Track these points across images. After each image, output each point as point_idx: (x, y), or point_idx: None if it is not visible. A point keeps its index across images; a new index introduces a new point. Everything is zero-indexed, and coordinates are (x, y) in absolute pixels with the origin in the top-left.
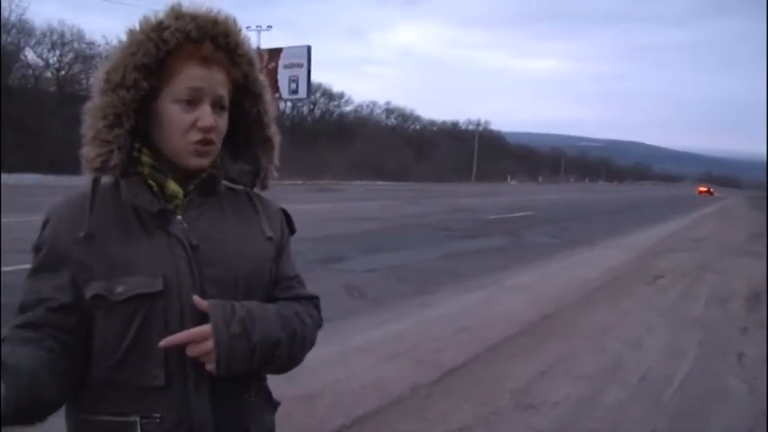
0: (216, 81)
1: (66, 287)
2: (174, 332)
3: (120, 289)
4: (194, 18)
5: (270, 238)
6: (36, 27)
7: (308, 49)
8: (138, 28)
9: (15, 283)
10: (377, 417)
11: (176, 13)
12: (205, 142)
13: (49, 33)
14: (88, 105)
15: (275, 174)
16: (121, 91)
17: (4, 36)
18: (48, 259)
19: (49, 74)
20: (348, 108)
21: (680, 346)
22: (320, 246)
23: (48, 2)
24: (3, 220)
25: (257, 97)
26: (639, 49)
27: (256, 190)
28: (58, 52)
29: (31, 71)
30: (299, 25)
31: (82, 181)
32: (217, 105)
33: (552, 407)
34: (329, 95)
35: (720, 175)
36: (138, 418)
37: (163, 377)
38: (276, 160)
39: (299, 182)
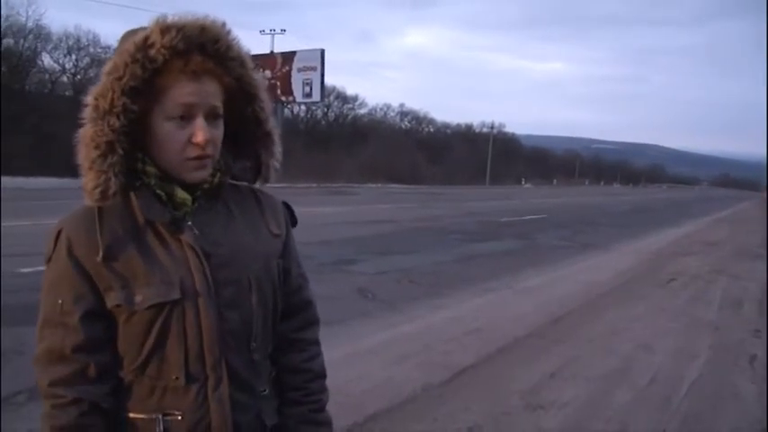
0: (208, 93)
1: (87, 296)
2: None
3: (138, 299)
4: (181, 29)
5: (277, 235)
6: (53, 32)
7: (322, 52)
8: (122, 47)
9: (35, 283)
10: (388, 415)
11: (161, 27)
12: (201, 157)
13: (65, 38)
14: (81, 133)
15: (277, 166)
16: (111, 118)
17: (21, 41)
18: (64, 271)
19: (65, 78)
20: (362, 111)
21: (691, 348)
22: (333, 248)
23: (64, 7)
24: (21, 223)
25: (252, 97)
26: (648, 51)
27: (258, 184)
28: (74, 57)
29: (47, 76)
30: (309, 30)
31: None
32: (210, 115)
33: (561, 408)
34: (343, 98)
35: (737, 178)
36: (160, 416)
37: (183, 378)
38: (278, 153)
39: (313, 185)
